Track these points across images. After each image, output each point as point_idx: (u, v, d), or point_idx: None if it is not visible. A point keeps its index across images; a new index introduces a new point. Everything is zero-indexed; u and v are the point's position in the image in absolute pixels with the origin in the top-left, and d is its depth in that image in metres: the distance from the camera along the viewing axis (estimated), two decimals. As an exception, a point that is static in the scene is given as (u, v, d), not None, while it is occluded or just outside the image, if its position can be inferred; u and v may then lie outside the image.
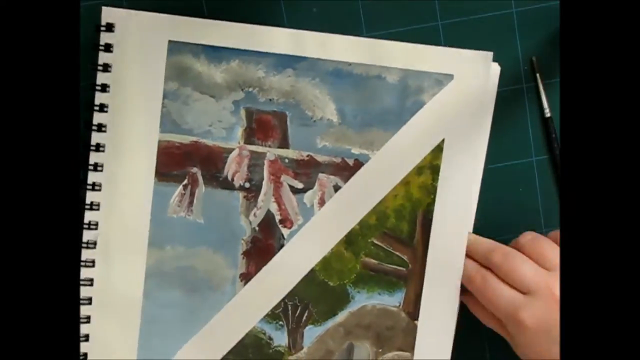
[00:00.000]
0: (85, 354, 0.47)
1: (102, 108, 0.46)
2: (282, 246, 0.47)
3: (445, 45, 0.47)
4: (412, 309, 0.47)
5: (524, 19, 0.47)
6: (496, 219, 0.47)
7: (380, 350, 0.47)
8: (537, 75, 0.47)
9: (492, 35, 0.47)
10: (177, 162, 0.47)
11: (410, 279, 0.47)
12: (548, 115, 0.47)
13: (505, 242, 0.45)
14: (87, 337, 0.47)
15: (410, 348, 0.47)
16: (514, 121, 0.47)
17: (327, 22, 0.47)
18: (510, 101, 0.47)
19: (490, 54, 0.46)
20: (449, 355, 0.47)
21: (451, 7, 0.47)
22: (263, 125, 0.47)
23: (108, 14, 0.46)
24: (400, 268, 0.47)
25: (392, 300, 0.47)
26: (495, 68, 0.47)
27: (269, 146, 0.47)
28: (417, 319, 0.47)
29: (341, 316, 0.47)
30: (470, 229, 0.47)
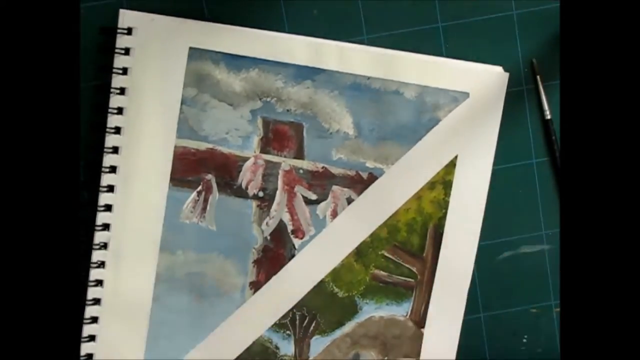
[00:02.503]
0: (91, 355, 0.47)
1: (120, 111, 0.46)
2: (293, 256, 0.47)
3: (445, 46, 0.47)
4: (419, 317, 0.48)
5: (524, 21, 0.47)
6: (497, 221, 0.47)
7: (387, 358, 0.48)
8: (538, 77, 0.47)
9: (493, 37, 0.47)
10: (192, 168, 0.47)
11: (419, 290, 0.48)
12: (548, 117, 0.47)
13: (505, 244, 0.46)
14: (93, 338, 0.47)
15: (416, 354, 0.48)
16: (515, 123, 0.47)
17: (328, 24, 0.47)
18: (510, 103, 0.47)
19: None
20: (454, 356, 0.48)
21: (451, 9, 0.47)
22: (279, 135, 0.47)
23: (126, 16, 0.46)
24: (409, 279, 0.48)
25: (400, 310, 0.48)
26: (504, 77, 0.47)
27: (285, 156, 0.47)
28: (423, 327, 0.48)
29: (348, 326, 0.48)
30: (478, 239, 0.47)
